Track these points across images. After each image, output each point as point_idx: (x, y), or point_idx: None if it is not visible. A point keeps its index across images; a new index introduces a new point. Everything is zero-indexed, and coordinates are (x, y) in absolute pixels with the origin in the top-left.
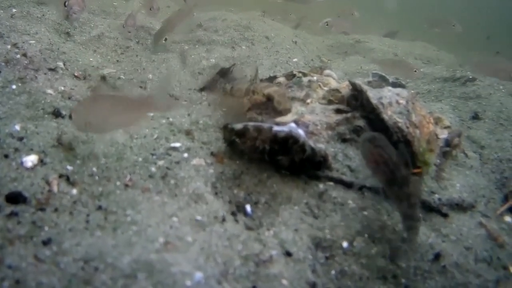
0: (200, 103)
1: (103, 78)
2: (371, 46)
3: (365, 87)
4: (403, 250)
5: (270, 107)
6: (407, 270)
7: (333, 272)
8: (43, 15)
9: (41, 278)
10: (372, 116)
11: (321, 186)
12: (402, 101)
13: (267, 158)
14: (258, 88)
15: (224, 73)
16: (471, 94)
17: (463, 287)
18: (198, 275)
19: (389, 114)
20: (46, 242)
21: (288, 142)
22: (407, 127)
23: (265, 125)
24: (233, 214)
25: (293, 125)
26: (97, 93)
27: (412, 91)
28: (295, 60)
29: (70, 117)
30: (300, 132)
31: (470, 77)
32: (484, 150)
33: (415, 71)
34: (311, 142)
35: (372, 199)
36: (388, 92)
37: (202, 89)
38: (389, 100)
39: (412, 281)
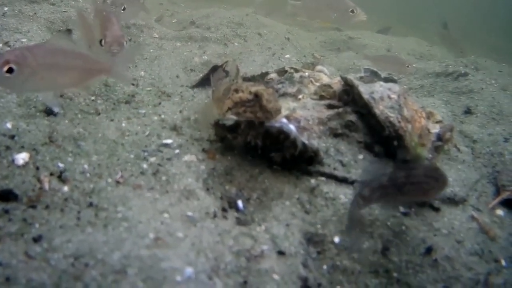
0: (192, 100)
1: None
2: (363, 42)
3: (357, 82)
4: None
5: (257, 104)
6: (399, 264)
7: (325, 266)
8: (35, 13)
9: (31, 275)
10: (364, 111)
11: (312, 181)
12: (394, 96)
13: (259, 153)
14: (244, 86)
15: (216, 71)
16: (463, 88)
17: (455, 280)
18: (189, 270)
19: (381, 109)
20: (36, 239)
21: (279, 138)
22: (399, 122)
23: (257, 121)
24: (225, 210)
25: (284, 120)
26: (51, 43)
27: (405, 86)
28: (287, 56)
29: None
30: (291, 127)
31: (463, 72)
32: (476, 144)
33: (408, 66)
34: (302, 138)
35: None
36: (379, 87)
37: (194, 86)
38: (381, 95)
39: (403, 275)
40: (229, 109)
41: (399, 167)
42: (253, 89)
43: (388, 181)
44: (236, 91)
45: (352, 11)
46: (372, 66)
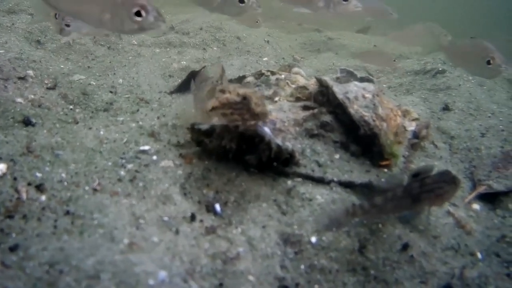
0: (170, 106)
1: None
2: (343, 43)
3: (331, 83)
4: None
5: (245, 108)
6: (376, 261)
7: (302, 266)
8: (13, 24)
9: (7, 283)
10: (339, 111)
11: (289, 182)
12: (368, 95)
13: (235, 156)
14: (231, 88)
15: (195, 76)
16: (441, 86)
17: (431, 275)
18: (162, 274)
19: (355, 108)
20: (13, 248)
21: (254, 140)
22: (374, 121)
23: (231, 124)
24: (202, 213)
25: (259, 123)
26: None
27: (384, 85)
28: (265, 59)
29: None
30: (266, 130)
31: (440, 69)
32: (453, 140)
33: (395, 60)
34: (277, 140)
35: (340, 193)
36: (354, 87)
37: (172, 92)
38: (355, 95)
39: (381, 272)
40: (214, 108)
41: (413, 179)
42: (241, 91)
43: (403, 192)
44: (223, 91)
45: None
46: (360, 63)
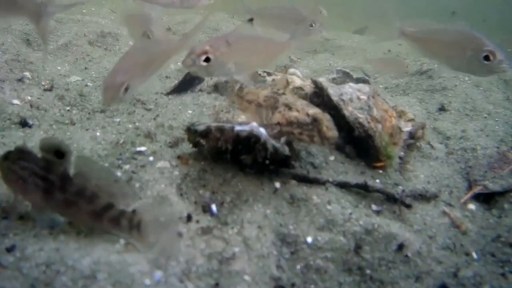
0: (166, 107)
1: None
2: (340, 43)
3: (326, 85)
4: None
5: (315, 129)
6: (371, 261)
7: (298, 266)
8: (10, 25)
9: (3, 284)
10: (334, 113)
11: (284, 183)
12: (363, 97)
13: (231, 157)
14: (298, 105)
15: (191, 77)
16: (437, 86)
17: (426, 275)
18: (158, 274)
19: (350, 110)
20: (9, 249)
21: (250, 141)
22: (368, 122)
23: (227, 125)
24: (198, 214)
25: (254, 124)
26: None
27: (381, 86)
28: None
29: None
30: (262, 130)
31: (437, 70)
32: (449, 141)
33: (407, 66)
34: (273, 141)
35: (335, 194)
36: (349, 89)
37: (169, 93)
38: (350, 96)
39: (376, 272)
40: (279, 124)
41: None
42: (311, 111)
43: None
44: (289, 108)
45: (311, 25)
46: (376, 68)
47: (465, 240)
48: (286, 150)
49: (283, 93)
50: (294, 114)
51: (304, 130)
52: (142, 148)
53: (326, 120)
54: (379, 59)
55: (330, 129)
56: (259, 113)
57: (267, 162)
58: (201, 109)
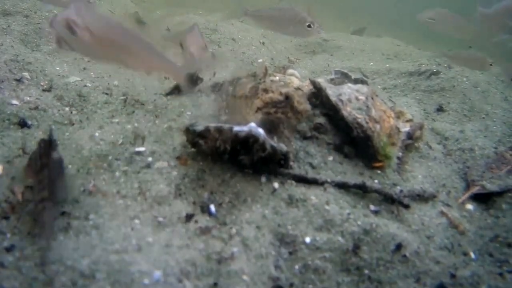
0: (166, 108)
1: None
2: (338, 44)
3: (324, 85)
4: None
5: (288, 106)
6: (369, 261)
7: (296, 266)
8: (9, 26)
9: (3, 283)
10: (332, 113)
11: (283, 183)
12: (362, 97)
13: (229, 157)
14: (273, 87)
15: (190, 78)
16: (435, 87)
17: (424, 275)
18: (157, 273)
19: (349, 111)
20: (9, 249)
21: (249, 142)
22: (367, 122)
23: (226, 126)
24: (196, 214)
25: (253, 124)
26: None
27: (379, 86)
28: (260, 60)
29: None
30: (260, 131)
31: (435, 70)
32: (447, 141)
33: (491, 64)
34: (271, 141)
35: (334, 194)
36: (347, 89)
37: (168, 94)
38: (348, 97)
39: (374, 272)
40: (259, 109)
41: None
42: (284, 90)
43: None
44: (266, 91)
45: (309, 26)
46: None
47: (463, 240)
48: (283, 148)
49: (264, 81)
50: (269, 95)
51: (279, 108)
52: (141, 149)
53: (298, 96)
54: (458, 54)
55: (301, 103)
56: (246, 104)
57: (266, 162)
58: (200, 110)
